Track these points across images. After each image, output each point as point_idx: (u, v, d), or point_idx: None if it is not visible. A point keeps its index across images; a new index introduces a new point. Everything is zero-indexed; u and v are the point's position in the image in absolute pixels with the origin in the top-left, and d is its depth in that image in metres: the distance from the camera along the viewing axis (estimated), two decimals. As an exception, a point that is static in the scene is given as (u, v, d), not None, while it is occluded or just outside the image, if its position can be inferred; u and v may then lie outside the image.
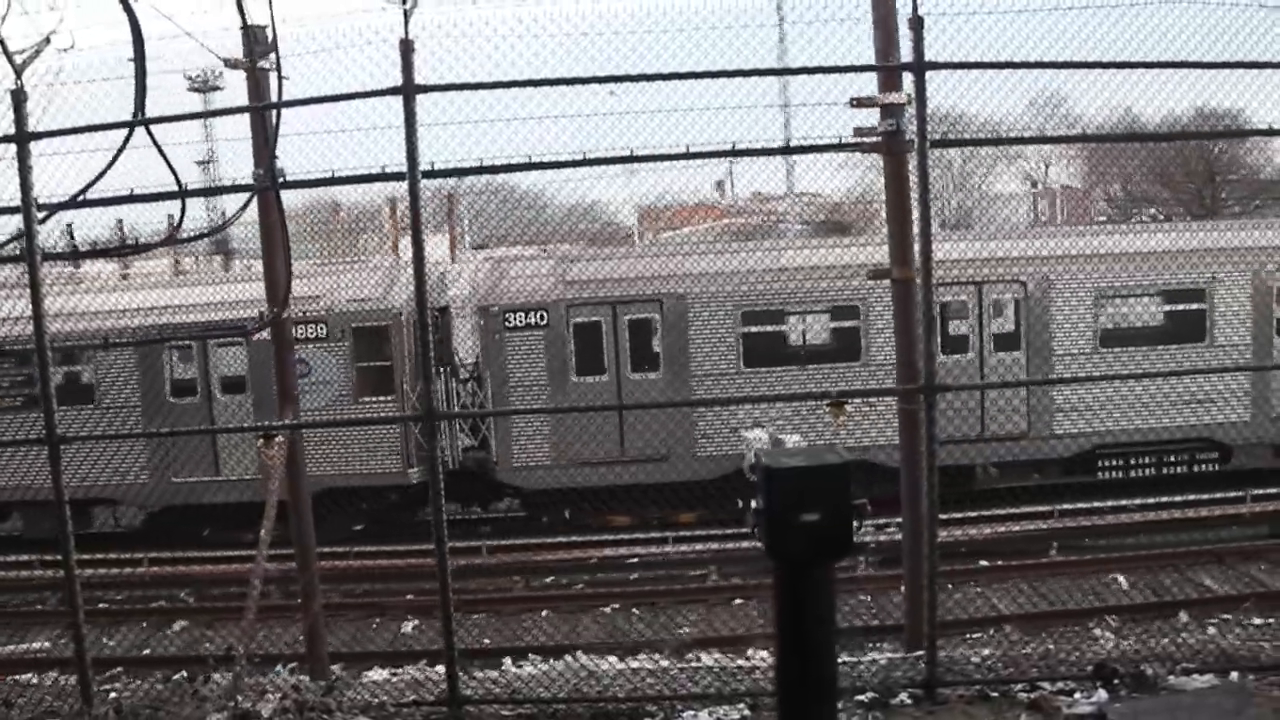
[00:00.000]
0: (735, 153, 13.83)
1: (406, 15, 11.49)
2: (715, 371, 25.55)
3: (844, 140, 13.25)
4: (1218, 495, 24.71)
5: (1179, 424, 25.52)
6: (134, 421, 26.64)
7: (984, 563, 22.64)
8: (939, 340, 25.09)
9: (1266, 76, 12.20)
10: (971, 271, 24.69)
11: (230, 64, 14.41)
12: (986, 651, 13.43)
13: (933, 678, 11.58)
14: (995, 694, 11.60)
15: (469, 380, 27.55)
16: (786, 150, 13.96)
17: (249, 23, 13.67)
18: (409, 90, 10.97)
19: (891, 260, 13.47)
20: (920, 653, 12.17)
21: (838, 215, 42.61)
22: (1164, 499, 24.89)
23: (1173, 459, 26.13)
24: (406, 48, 11.09)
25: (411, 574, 23.50)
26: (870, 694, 11.74)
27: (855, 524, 8.77)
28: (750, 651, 17.06)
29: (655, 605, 22.06)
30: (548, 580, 24.04)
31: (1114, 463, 26.14)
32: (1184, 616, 18.93)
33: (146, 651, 20.63)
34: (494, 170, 13.69)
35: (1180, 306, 25.95)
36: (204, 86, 51.13)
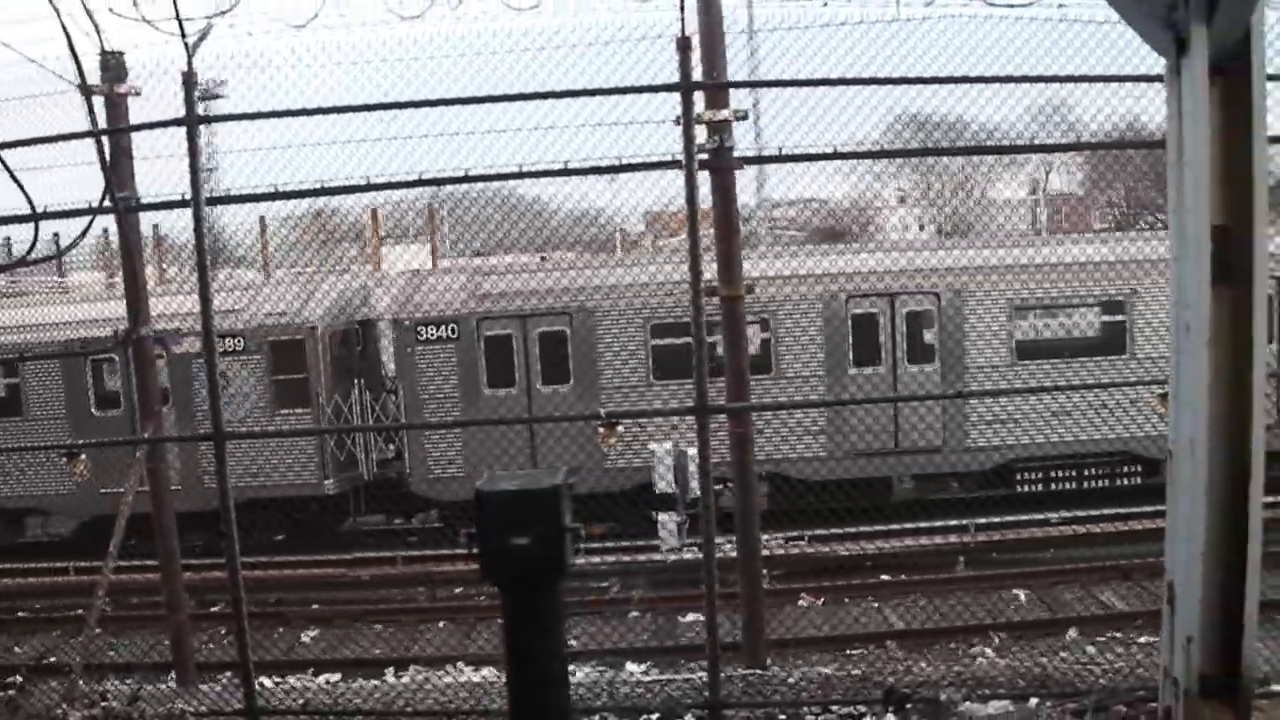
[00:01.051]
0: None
1: (189, 49, 11.38)
2: (625, 384, 25.33)
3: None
4: (1135, 510, 24.25)
5: (1099, 437, 25.08)
6: (62, 434, 26.64)
7: (885, 577, 22.22)
8: (851, 353, 25.30)
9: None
10: (885, 284, 24.42)
11: (86, 90, 14.22)
12: (800, 672, 13.20)
13: (715, 700, 11.35)
14: (783, 716, 11.36)
15: (393, 392, 27.38)
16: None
17: (104, 48, 13.46)
18: (191, 121, 11.07)
19: (719, 278, 13.21)
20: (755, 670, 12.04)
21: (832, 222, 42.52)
22: (1081, 513, 24.46)
23: (1094, 472, 25.73)
24: (189, 79, 11.11)
25: (327, 584, 23.90)
26: (655, 714, 11.52)
27: (573, 546, 8.64)
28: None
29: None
30: (457, 591, 23.72)
31: (1033, 476, 25.76)
32: (1073, 633, 18.73)
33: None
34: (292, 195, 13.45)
35: (1100, 318, 25.60)
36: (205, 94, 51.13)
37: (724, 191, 12.94)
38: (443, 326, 25.81)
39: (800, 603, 21.43)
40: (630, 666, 16.28)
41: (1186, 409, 6.02)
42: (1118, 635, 18.25)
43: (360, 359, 28.03)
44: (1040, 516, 24.36)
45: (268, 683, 14.78)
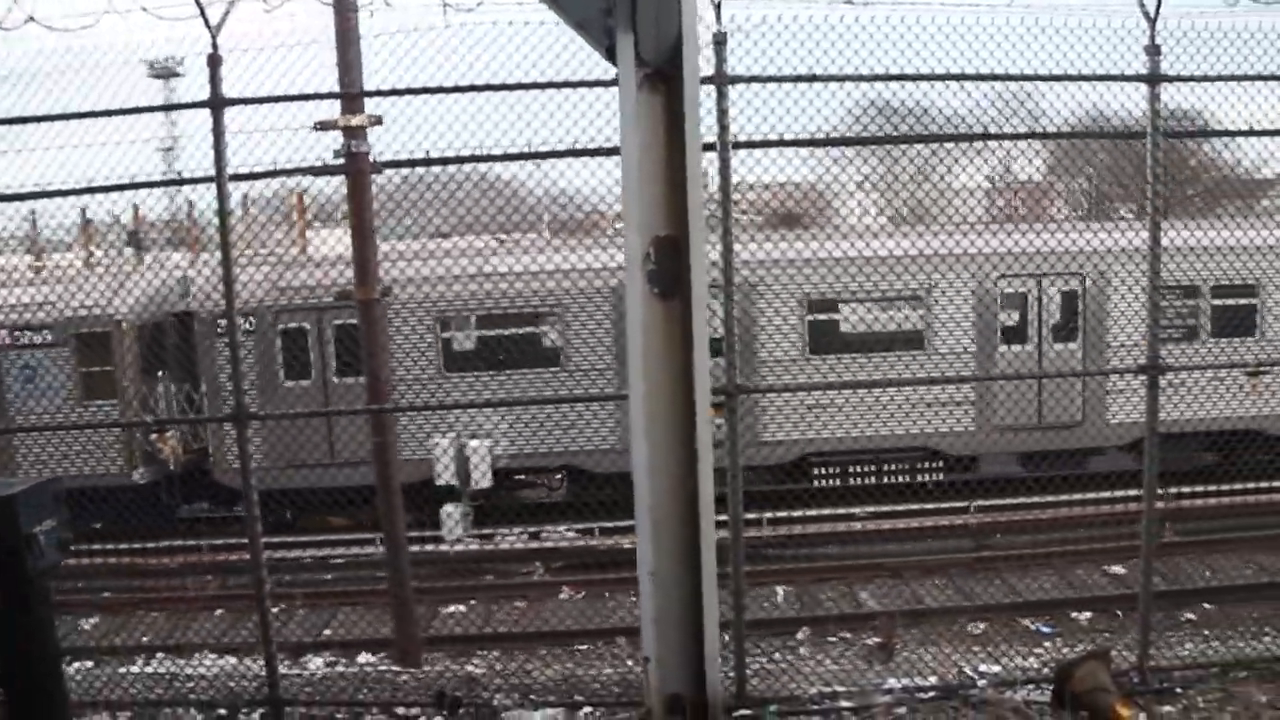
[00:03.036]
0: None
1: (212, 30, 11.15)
2: (418, 377, 25.12)
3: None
4: (941, 506, 24.35)
5: (896, 432, 25.04)
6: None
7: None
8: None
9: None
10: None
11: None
12: (440, 669, 13.15)
13: (275, 696, 11.29)
14: (341, 715, 11.41)
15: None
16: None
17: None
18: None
19: (355, 280, 13.05)
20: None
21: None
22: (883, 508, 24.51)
23: (892, 468, 25.70)
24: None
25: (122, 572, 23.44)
26: (220, 710, 11.50)
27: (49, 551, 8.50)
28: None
29: (318, 607, 21.76)
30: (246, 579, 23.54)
31: (829, 470, 25.70)
32: (802, 634, 18.62)
33: None
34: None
35: (898, 313, 25.60)
36: (165, 73, 51.10)
37: (358, 196, 12.77)
38: (241, 319, 25.49)
39: (561, 595, 21.24)
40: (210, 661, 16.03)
41: (637, 425, 5.85)
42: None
43: (184, 350, 27.64)
44: (841, 511, 24.21)
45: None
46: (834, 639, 17.51)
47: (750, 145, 11.73)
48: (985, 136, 12.69)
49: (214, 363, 25.68)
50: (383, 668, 13.95)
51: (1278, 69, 12.41)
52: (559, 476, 26.41)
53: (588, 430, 24.77)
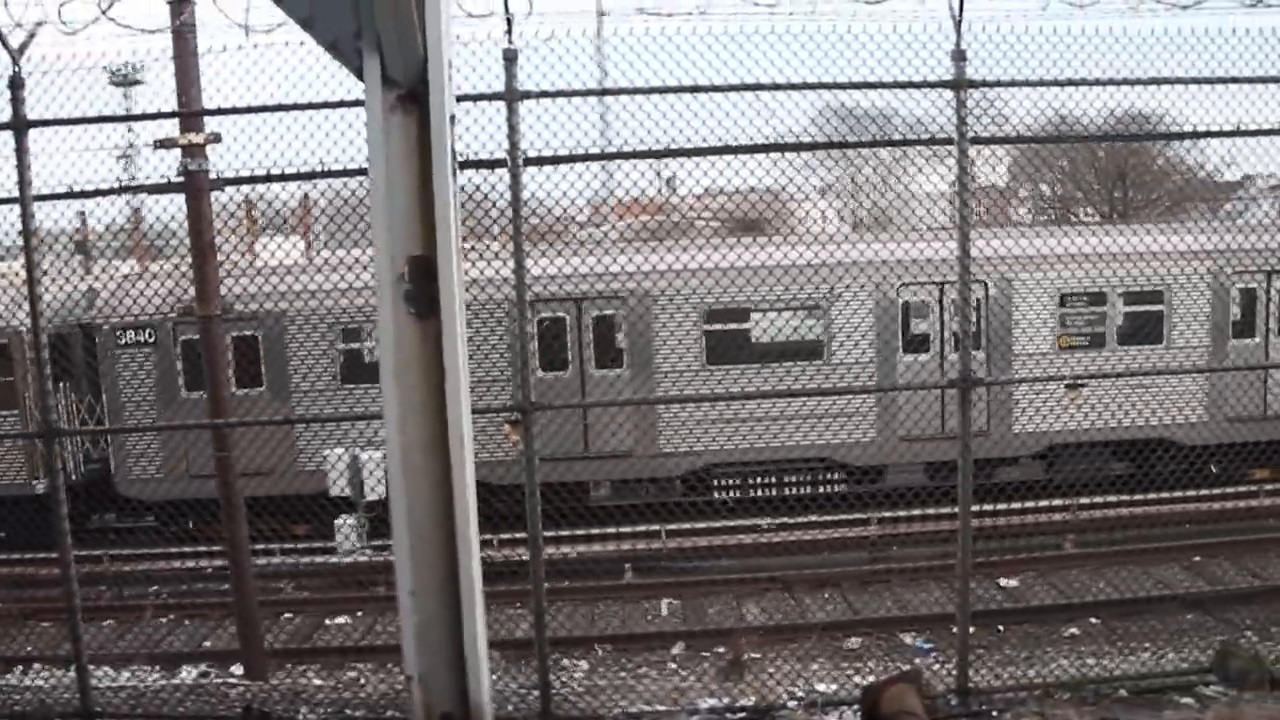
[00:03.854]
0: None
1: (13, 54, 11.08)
2: (314, 388, 25.05)
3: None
4: (844, 518, 24.29)
5: (797, 443, 25.03)
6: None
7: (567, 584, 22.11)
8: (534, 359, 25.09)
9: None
10: (570, 288, 24.21)
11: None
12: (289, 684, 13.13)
13: (86, 707, 11.26)
14: None
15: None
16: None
17: None
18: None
19: (197, 296, 12.96)
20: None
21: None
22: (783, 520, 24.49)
23: (794, 479, 25.70)
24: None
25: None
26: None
27: None
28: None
29: (208, 618, 21.69)
30: (152, 589, 23.45)
31: (730, 482, 25.69)
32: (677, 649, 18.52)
33: None
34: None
35: (799, 322, 25.60)
36: (125, 80, 51.19)
37: (196, 214, 12.70)
38: (140, 331, 25.46)
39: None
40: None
41: (393, 449, 5.83)
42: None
43: (89, 361, 27.47)
44: (742, 523, 24.18)
45: None
46: (707, 654, 17.47)
47: (540, 161, 11.72)
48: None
49: (115, 375, 25.59)
50: (219, 680, 13.87)
51: (1099, 71, 12.49)
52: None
53: (481, 438, 24.67)
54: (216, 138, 13.00)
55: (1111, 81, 12.39)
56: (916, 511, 23.63)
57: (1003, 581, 21.64)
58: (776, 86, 11.71)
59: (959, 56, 11.07)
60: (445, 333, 5.86)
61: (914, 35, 11.93)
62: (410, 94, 5.79)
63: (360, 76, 5.97)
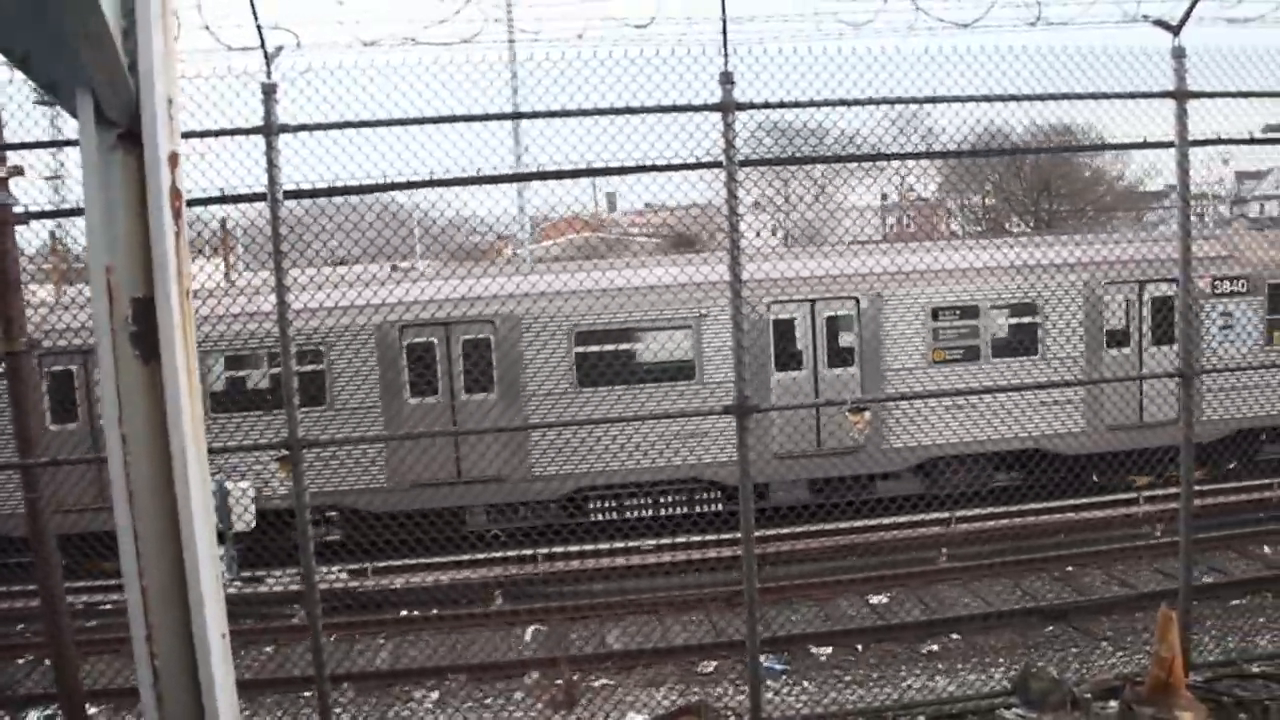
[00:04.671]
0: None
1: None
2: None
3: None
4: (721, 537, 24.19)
5: (669, 464, 24.99)
6: None
7: (408, 613, 22.16)
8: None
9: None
10: (439, 313, 24.05)
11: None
12: None
13: None
14: None
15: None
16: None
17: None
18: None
19: (2, 333, 12.75)
20: None
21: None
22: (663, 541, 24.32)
23: (670, 499, 25.66)
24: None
25: None
26: None
27: None
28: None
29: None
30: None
31: (605, 504, 25.62)
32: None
33: None
34: None
35: (664, 343, 25.64)
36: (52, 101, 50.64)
37: (5, 248, 12.53)
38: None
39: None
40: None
41: (119, 495, 5.68)
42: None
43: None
44: (619, 545, 24.02)
45: None
46: (560, 681, 17.33)
47: (300, 195, 11.67)
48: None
49: None
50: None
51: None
52: (330, 516, 25.97)
53: (357, 470, 24.50)
54: (19, 170, 12.80)
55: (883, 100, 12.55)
56: (786, 530, 23.66)
57: (872, 598, 21.56)
58: (518, 115, 11.87)
59: (726, 80, 11.09)
60: (167, 375, 5.76)
61: (678, 59, 11.90)
62: (129, 133, 5.68)
63: (76, 116, 5.89)
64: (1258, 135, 15.69)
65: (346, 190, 12.65)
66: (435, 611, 21.80)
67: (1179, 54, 11.69)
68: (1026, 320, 27.04)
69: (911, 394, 24.16)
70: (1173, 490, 25.37)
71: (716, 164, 11.50)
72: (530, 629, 20.85)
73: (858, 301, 26.09)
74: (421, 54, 12.09)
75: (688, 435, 24.90)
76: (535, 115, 12.37)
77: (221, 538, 23.10)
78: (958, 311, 26.48)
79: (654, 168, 12.81)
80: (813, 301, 25.92)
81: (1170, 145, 12.31)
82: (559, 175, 13.26)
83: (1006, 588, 21.96)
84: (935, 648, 18.84)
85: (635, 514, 25.72)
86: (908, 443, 26.01)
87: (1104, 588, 21.72)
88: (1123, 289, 27.27)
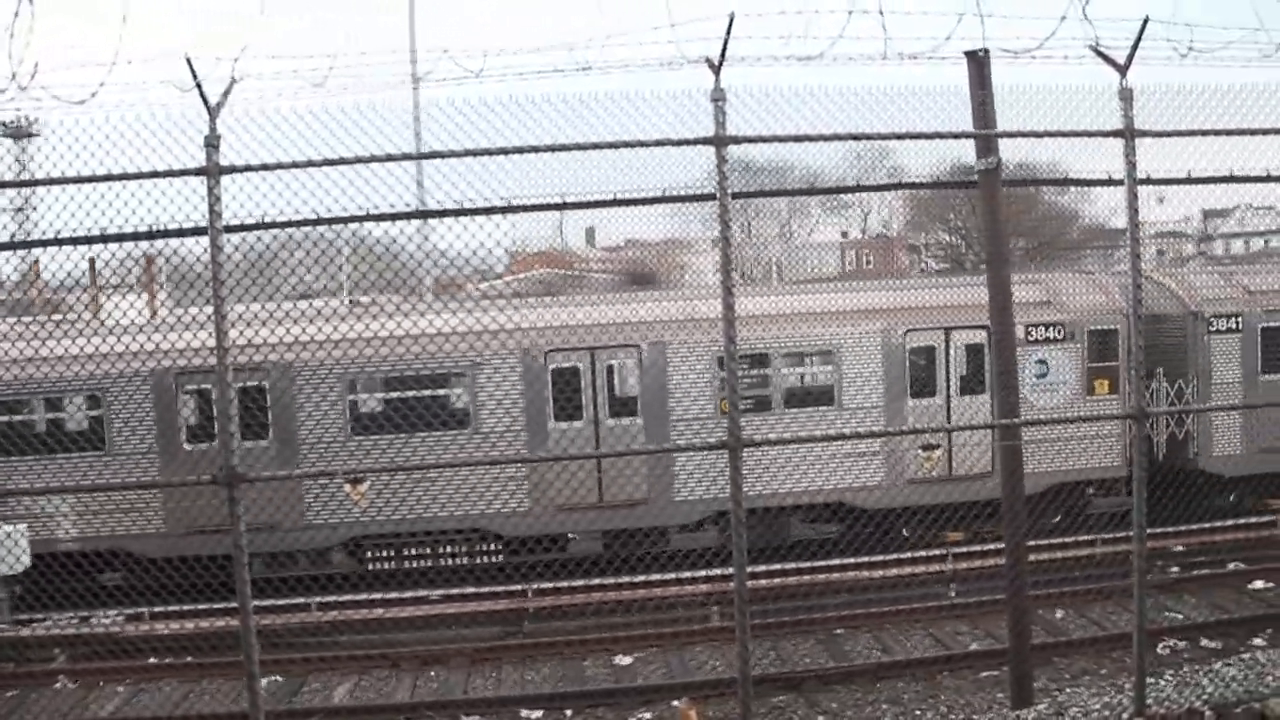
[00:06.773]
0: None
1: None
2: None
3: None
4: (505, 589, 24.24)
5: (447, 514, 25.01)
6: None
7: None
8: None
9: None
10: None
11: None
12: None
13: None
14: None
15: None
16: None
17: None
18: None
19: None
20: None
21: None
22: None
23: (449, 549, 25.63)
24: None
25: None
26: None
27: None
28: None
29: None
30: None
31: (383, 554, 25.57)
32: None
33: None
34: None
35: (442, 392, 25.66)
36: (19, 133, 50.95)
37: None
38: None
39: (55, 685, 21.08)
40: None
41: None
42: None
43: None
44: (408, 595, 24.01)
45: None
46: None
47: (242, 229, 11.99)
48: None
49: None
50: None
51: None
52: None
53: (133, 513, 24.42)
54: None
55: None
56: (564, 584, 23.68)
57: (618, 659, 21.41)
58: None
59: (719, 114, 10.79)
60: None
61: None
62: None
63: None
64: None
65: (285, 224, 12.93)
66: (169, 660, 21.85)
67: (1126, 95, 11.64)
68: (821, 369, 27.00)
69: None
70: (976, 548, 25.52)
71: (709, 196, 11.67)
72: (267, 680, 20.69)
73: (640, 349, 26.03)
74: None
75: (468, 486, 24.92)
76: (521, 150, 12.29)
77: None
78: (746, 361, 26.22)
79: (644, 200, 13.19)
80: (593, 350, 25.91)
81: (1120, 184, 12.33)
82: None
83: (762, 650, 21.32)
84: (648, 716, 18.76)
85: (415, 564, 25.70)
86: (690, 496, 25.99)
87: (865, 652, 21.40)
88: (927, 335, 27.31)
